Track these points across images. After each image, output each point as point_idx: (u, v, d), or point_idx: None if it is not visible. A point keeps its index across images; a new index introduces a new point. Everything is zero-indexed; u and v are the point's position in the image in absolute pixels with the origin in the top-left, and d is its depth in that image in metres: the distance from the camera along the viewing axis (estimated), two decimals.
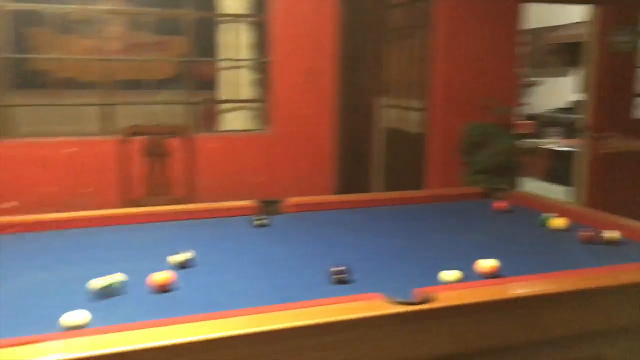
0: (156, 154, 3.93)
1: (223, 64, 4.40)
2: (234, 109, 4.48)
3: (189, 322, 1.51)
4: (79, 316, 1.57)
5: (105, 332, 1.45)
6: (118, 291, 1.82)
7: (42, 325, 1.59)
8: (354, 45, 6.00)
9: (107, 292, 1.80)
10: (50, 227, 2.62)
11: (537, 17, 8.52)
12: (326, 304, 1.62)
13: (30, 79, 4.59)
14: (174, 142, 3.99)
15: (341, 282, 1.90)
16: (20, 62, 4.21)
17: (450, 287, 1.81)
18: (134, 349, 1.39)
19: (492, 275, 1.96)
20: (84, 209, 3.28)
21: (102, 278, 1.83)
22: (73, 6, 4.14)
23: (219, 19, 4.33)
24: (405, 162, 5.55)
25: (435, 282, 1.89)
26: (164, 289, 1.83)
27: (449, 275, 1.89)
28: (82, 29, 4.61)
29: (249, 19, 4.37)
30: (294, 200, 3.01)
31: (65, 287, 1.93)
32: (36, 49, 4.47)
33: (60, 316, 1.66)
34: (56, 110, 4.29)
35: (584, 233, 2.42)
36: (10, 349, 1.36)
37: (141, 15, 4.00)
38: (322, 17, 4.36)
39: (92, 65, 4.37)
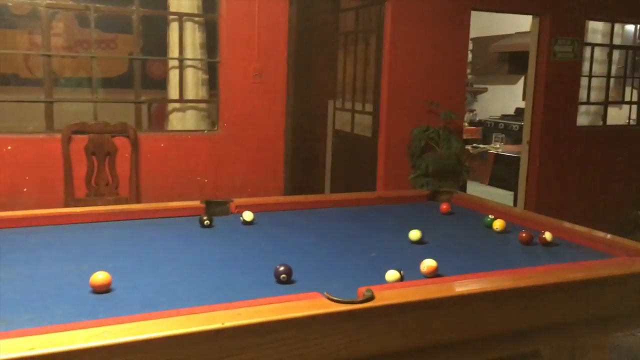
0: (101, 152, 3.85)
1: (172, 63, 4.34)
2: (182, 109, 4.42)
3: (127, 322, 1.49)
4: None
5: (42, 333, 1.41)
6: None
7: None
8: (306, 48, 6.03)
9: None
10: None
11: (484, 25, 8.77)
12: (268, 303, 1.62)
13: None
14: (119, 141, 3.90)
15: (284, 281, 1.90)
16: None
17: (392, 286, 1.84)
18: (71, 349, 1.36)
19: (434, 274, 2.00)
20: (25, 209, 3.18)
21: None
22: None
23: (170, 17, 4.27)
24: (357, 165, 5.60)
25: (380, 281, 1.91)
26: (102, 289, 1.78)
27: (392, 274, 1.92)
28: (25, 24, 4.47)
29: (199, 18, 4.33)
30: (241, 201, 3.00)
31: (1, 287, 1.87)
32: None
33: None
34: None
35: (523, 234, 2.50)
36: None
37: (89, 12, 3.90)
38: (273, 19, 4.35)
39: (35, 61, 4.23)
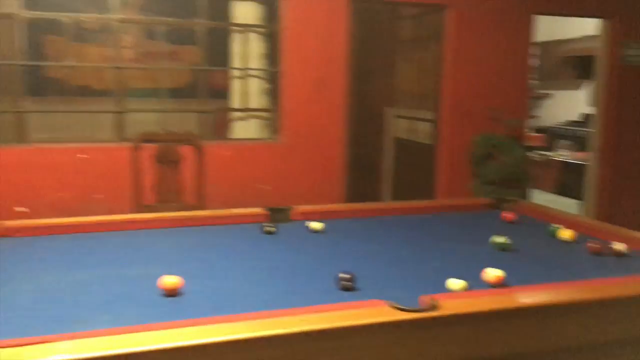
0: (167, 161, 3.98)
1: (235, 74, 4.45)
2: (245, 118, 4.52)
3: (196, 325, 1.54)
4: None
5: (118, 333, 1.48)
6: None
7: (55, 326, 1.61)
8: (365, 55, 6.05)
9: None
10: (62, 231, 2.66)
11: (548, 30, 8.53)
12: (332, 310, 1.64)
13: (45, 86, 4.66)
14: (185, 150, 4.03)
15: (347, 289, 1.92)
16: (36, 69, 4.28)
17: (456, 295, 1.82)
18: (145, 350, 1.42)
19: (499, 284, 1.97)
20: (96, 214, 3.34)
21: None
22: (88, 15, 4.21)
23: (232, 29, 4.38)
24: (415, 173, 5.56)
25: (442, 290, 1.89)
26: (173, 292, 1.85)
27: (456, 283, 1.90)
28: (97, 38, 4.68)
29: (261, 29, 4.42)
30: (302, 208, 3.03)
31: (77, 289, 1.96)
32: (51, 56, 4.55)
33: (73, 316, 1.70)
34: (70, 117, 4.35)
35: (592, 245, 2.42)
36: (18, 349, 1.39)
37: (155, 25, 4.06)
38: (333, 28, 4.40)
39: (106, 73, 4.44)
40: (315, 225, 2.73)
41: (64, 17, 4.05)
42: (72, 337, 1.47)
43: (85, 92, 4.70)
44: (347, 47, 4.49)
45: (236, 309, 1.73)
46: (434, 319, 1.62)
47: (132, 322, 1.63)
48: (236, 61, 4.43)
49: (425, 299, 1.69)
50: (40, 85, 4.50)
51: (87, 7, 4.23)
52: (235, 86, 4.49)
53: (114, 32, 4.05)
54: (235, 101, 4.50)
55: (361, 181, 6.09)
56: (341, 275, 1.92)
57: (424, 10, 5.35)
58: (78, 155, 3.95)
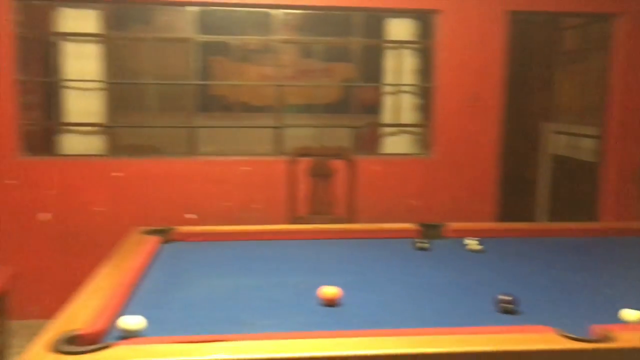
0: (320, 174, 4.12)
1: (387, 89, 4.50)
2: (396, 133, 4.55)
3: (356, 336, 1.57)
4: (134, 321, 1.63)
5: (282, 338, 1.56)
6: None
7: (225, 326, 1.74)
8: (522, 68, 5.80)
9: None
10: (226, 238, 2.86)
11: None
12: (493, 333, 1.59)
13: (211, 103, 5.06)
14: (337, 164, 4.14)
15: (508, 311, 1.84)
16: (204, 88, 4.66)
17: (633, 327, 1.68)
18: (306, 356, 1.48)
19: None
20: (253, 223, 3.55)
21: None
22: (253, 37, 4.51)
23: (386, 45, 4.44)
24: (575, 192, 5.20)
25: (615, 320, 1.75)
26: (332, 303, 1.91)
27: (632, 314, 1.75)
28: (256, 57, 4.99)
29: (415, 45, 4.44)
30: (456, 225, 2.98)
31: (244, 293, 2.10)
32: (216, 76, 4.93)
33: (241, 318, 1.82)
34: (232, 131, 4.68)
35: None
36: (196, 345, 1.52)
37: (314, 45, 4.25)
38: (488, 40, 4.29)
39: (265, 90, 4.71)
40: (473, 243, 2.66)
41: (232, 39, 4.37)
42: (241, 339, 1.57)
43: (246, 108, 5.02)
44: (504, 60, 4.35)
45: (394, 324, 1.74)
46: (608, 351, 1.50)
47: (294, 329, 1.71)
48: (389, 77, 4.48)
49: (597, 329, 1.57)
50: (207, 102, 4.89)
51: (251, 29, 4.54)
52: (387, 102, 4.54)
53: (274, 52, 4.30)
54: (387, 116, 4.54)
55: (514, 199, 5.82)
56: (501, 297, 1.86)
57: (588, 20, 5.02)
58: (241, 168, 4.23)
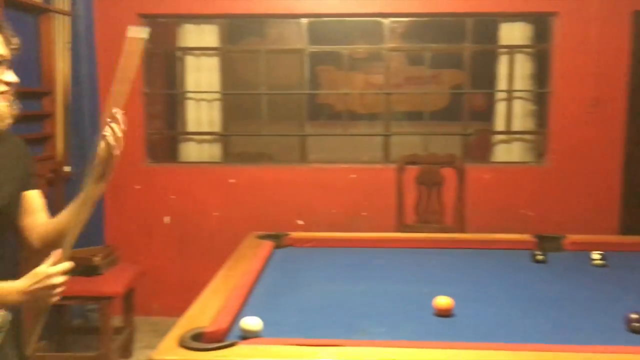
0: (429, 182, 4.06)
1: (499, 96, 4.37)
2: (508, 141, 4.40)
3: (473, 348, 1.54)
4: (254, 322, 1.66)
5: (397, 346, 1.56)
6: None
7: (339, 331, 1.77)
8: None
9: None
10: (336, 244, 2.91)
11: None
12: (624, 353, 1.49)
13: (319, 112, 5.15)
14: (447, 172, 4.07)
15: (639, 331, 1.73)
16: (312, 96, 4.76)
17: None
18: None
19: None
20: (361, 230, 3.58)
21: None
22: (363, 46, 4.55)
23: (499, 51, 4.32)
24: None
25: None
26: (446, 313, 1.88)
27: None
28: (364, 66, 5.02)
29: (530, 49, 4.27)
30: (576, 237, 2.83)
31: (356, 299, 2.13)
32: (323, 85, 5.03)
33: (353, 324, 1.84)
34: (341, 139, 4.74)
35: None
36: (313, 348, 1.55)
37: (424, 52, 4.23)
38: (611, 43, 4.04)
39: (372, 98, 4.73)
40: (598, 257, 2.51)
41: (342, 49, 4.44)
42: (356, 344, 1.59)
43: (353, 116, 5.05)
44: (629, 63, 4.08)
45: (511, 338, 1.69)
46: None
47: (406, 337, 1.70)
48: (502, 82, 4.35)
49: None
50: (315, 110, 4.99)
51: (359, 38, 4.59)
52: (500, 108, 4.40)
53: (382, 60, 4.31)
54: (499, 123, 4.41)
55: (638, 211, 5.42)
56: (632, 315, 1.74)
57: None
58: (349, 176, 4.28)
